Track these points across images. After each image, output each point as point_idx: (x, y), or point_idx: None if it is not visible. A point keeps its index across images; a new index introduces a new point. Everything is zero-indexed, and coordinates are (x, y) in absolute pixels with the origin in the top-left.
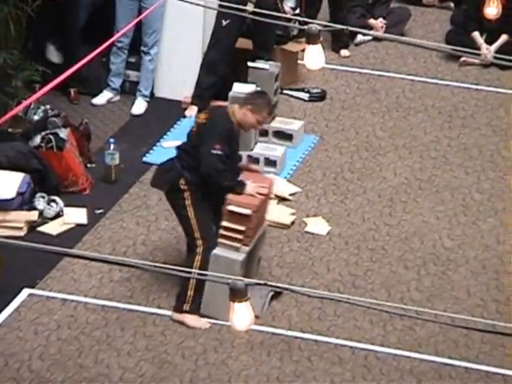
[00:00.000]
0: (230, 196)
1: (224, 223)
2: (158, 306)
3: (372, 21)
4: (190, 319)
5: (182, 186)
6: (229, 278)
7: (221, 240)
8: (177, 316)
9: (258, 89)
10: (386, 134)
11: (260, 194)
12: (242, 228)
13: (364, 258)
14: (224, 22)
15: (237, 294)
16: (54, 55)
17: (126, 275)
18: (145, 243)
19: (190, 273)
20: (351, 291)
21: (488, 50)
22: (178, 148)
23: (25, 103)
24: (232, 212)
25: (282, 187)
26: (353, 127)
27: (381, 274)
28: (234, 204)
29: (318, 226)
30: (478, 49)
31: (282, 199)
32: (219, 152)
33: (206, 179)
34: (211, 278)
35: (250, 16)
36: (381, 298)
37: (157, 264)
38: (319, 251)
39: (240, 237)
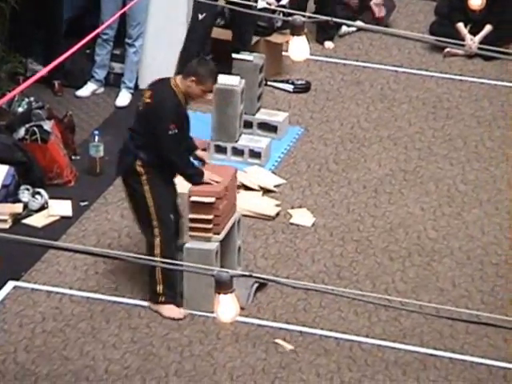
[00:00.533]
0: (190, 188)
1: (190, 215)
2: (143, 298)
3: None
4: (166, 309)
5: (139, 168)
6: (213, 269)
7: (191, 233)
8: (153, 307)
9: (201, 58)
10: (371, 126)
11: (214, 181)
12: (208, 217)
13: (349, 249)
14: (200, 16)
15: (222, 286)
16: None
17: (110, 267)
18: (129, 235)
19: (175, 265)
20: (336, 282)
21: (472, 41)
22: (130, 129)
23: (8, 95)
24: (196, 202)
25: (267, 179)
26: (337, 118)
27: (365, 265)
28: (196, 194)
29: (302, 217)
30: (463, 39)
31: (266, 191)
32: (174, 131)
33: (168, 162)
34: (196, 271)
35: (227, 6)
36: (366, 289)
37: (141, 256)
38: (304, 243)
39: (209, 226)
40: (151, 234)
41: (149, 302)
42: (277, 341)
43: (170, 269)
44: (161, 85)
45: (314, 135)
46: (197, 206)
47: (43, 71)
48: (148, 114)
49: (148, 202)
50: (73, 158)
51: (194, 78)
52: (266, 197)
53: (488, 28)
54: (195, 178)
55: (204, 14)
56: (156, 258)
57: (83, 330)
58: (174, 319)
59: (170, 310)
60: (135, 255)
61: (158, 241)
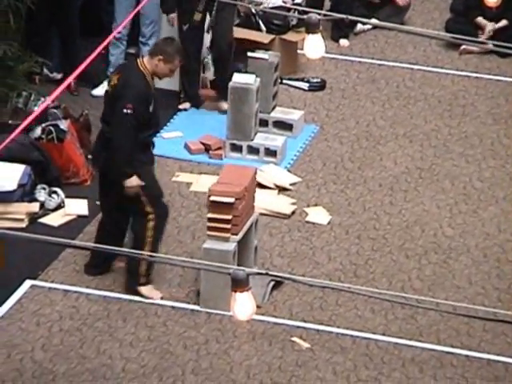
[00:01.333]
0: (211, 187)
1: (209, 215)
2: (160, 297)
3: None
4: (146, 290)
5: None
6: (230, 267)
7: (209, 232)
8: (132, 289)
9: (167, 37)
10: (387, 123)
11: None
12: (227, 217)
13: (365, 247)
14: (184, 27)
15: (238, 284)
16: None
17: (125, 266)
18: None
19: (191, 263)
20: (352, 280)
21: (493, 26)
22: (101, 119)
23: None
24: (215, 202)
25: (283, 177)
26: (353, 117)
27: (382, 263)
28: (216, 194)
29: (318, 215)
30: (480, 33)
31: (282, 189)
32: (129, 111)
33: (112, 143)
34: (213, 269)
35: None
36: (382, 287)
37: (158, 255)
38: (320, 241)
39: (227, 226)
40: (143, 213)
41: (127, 286)
42: (293, 339)
43: (154, 250)
44: (128, 67)
45: (329, 133)
46: (216, 206)
47: (74, 74)
48: (114, 96)
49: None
50: (89, 157)
51: (161, 57)
52: (282, 195)
53: (503, 22)
54: (118, 170)
55: (187, 25)
56: (179, 258)
57: (100, 328)
58: (152, 299)
59: (150, 291)
60: (151, 253)
61: (150, 224)
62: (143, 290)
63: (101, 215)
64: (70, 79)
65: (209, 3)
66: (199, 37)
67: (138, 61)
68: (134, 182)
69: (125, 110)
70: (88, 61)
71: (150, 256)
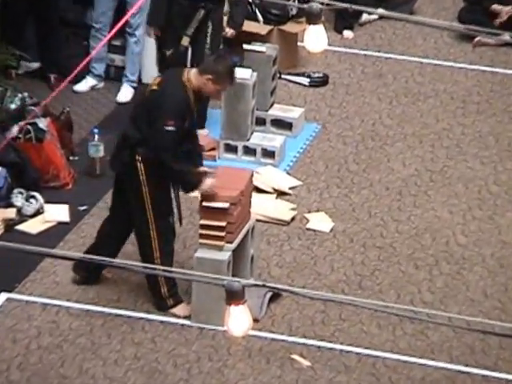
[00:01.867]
0: (202, 191)
1: (202, 221)
2: (147, 310)
3: None
4: (179, 310)
5: (139, 165)
6: (224, 278)
7: (201, 240)
8: (170, 311)
9: (221, 52)
10: (394, 122)
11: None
12: (221, 224)
13: (371, 256)
14: (168, 52)
15: (233, 297)
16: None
17: (112, 277)
18: (133, 242)
19: (181, 274)
20: (357, 293)
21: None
22: (130, 118)
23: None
24: (208, 208)
25: (281, 180)
26: (358, 114)
27: (389, 273)
28: (208, 199)
29: (320, 222)
30: (493, 27)
31: (281, 193)
32: (172, 128)
33: (158, 158)
34: (205, 280)
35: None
36: (389, 300)
37: (146, 265)
38: (322, 249)
39: (221, 234)
40: (149, 247)
41: (158, 309)
42: (293, 356)
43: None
44: (172, 75)
45: (332, 133)
46: (209, 212)
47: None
48: (152, 102)
49: (146, 206)
50: (70, 158)
51: (211, 77)
52: (281, 200)
53: None
54: (187, 185)
55: (171, 50)
56: (170, 268)
57: (82, 345)
58: (186, 317)
59: (183, 310)
60: (139, 264)
61: (155, 244)
62: (176, 311)
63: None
64: (66, 82)
65: (201, 27)
66: (183, 63)
67: (185, 72)
68: (207, 184)
69: (167, 128)
70: (84, 62)
71: (145, 267)
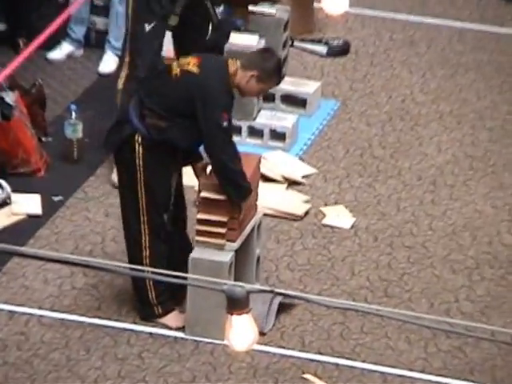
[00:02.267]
0: (201, 179)
1: (199, 215)
2: (134, 320)
3: None
4: (170, 320)
5: (137, 147)
6: (224, 283)
7: (198, 238)
8: (154, 320)
9: (266, 46)
10: (428, 98)
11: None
12: (222, 219)
13: (399, 258)
14: (147, 27)
15: (235, 304)
16: None
17: (92, 281)
18: (116, 239)
19: (174, 277)
20: (383, 301)
21: None
22: (138, 92)
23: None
24: (207, 199)
25: (293, 167)
26: (384, 89)
27: (421, 278)
28: (207, 189)
29: (339, 217)
30: None
31: (292, 183)
32: (226, 124)
33: (216, 164)
34: (202, 285)
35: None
36: (421, 310)
37: (132, 266)
38: (341, 249)
39: (222, 231)
40: (137, 243)
41: (142, 318)
42: (306, 376)
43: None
44: (216, 62)
45: (353, 111)
46: (208, 204)
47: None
48: (188, 87)
49: (139, 195)
50: (43, 139)
51: (256, 73)
52: (292, 190)
53: None
54: (242, 190)
55: (152, 24)
56: (160, 271)
57: (56, 361)
58: (179, 328)
59: (175, 320)
60: (124, 265)
61: (146, 240)
62: (167, 322)
63: None
64: (35, 46)
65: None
66: (163, 33)
67: (230, 64)
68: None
69: (223, 123)
70: (59, 21)
71: (131, 269)
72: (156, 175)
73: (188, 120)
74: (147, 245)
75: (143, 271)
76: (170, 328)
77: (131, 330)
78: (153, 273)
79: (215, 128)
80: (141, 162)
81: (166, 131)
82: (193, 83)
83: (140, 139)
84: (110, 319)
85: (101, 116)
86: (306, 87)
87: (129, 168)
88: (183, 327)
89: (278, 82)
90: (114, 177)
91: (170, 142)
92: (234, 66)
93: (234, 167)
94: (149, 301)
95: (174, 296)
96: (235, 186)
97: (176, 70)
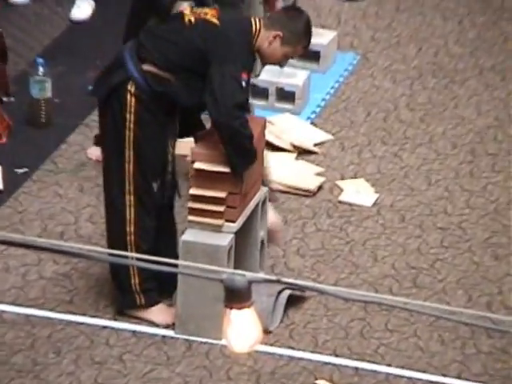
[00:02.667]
0: (194, 148)
1: (192, 191)
2: (114, 316)
3: None
4: (157, 315)
5: (129, 97)
6: (222, 271)
7: (191, 217)
8: (135, 313)
9: (294, 5)
10: (466, 50)
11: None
12: (219, 195)
13: (430, 241)
14: None
15: (235, 297)
16: None
17: (63, 269)
18: (92, 220)
19: (160, 263)
20: (411, 293)
21: None
22: (139, 39)
23: None
24: (202, 172)
25: (304, 134)
26: (413, 40)
27: (456, 266)
28: (202, 159)
29: (359, 192)
30: None
31: (303, 152)
32: (245, 83)
33: (226, 131)
34: (196, 273)
35: None
36: (457, 304)
37: (112, 251)
38: (361, 231)
39: (220, 209)
40: (121, 202)
41: (118, 309)
42: (319, 382)
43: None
44: (235, 14)
45: (376, 66)
46: (203, 178)
47: None
48: (205, 37)
49: (126, 156)
50: (4, 99)
51: (280, 34)
52: (303, 161)
53: None
54: (246, 161)
55: None
56: (146, 256)
57: (20, 365)
58: (168, 326)
59: (162, 314)
60: (101, 250)
61: (131, 212)
62: (152, 317)
63: None
64: None
65: None
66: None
67: (254, 21)
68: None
69: (242, 82)
70: None
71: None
72: (148, 135)
73: (194, 77)
74: (132, 218)
75: (126, 257)
76: (157, 325)
77: (110, 328)
78: (137, 259)
79: (233, 87)
80: (131, 117)
81: (167, 82)
82: (211, 33)
83: (134, 89)
84: (84, 315)
85: (73, 72)
86: (320, 38)
87: (116, 123)
88: (173, 324)
89: (306, 46)
90: (92, 152)
91: (172, 96)
92: (256, 24)
93: (245, 132)
94: (130, 288)
95: (162, 286)
96: (244, 154)
97: (190, 17)
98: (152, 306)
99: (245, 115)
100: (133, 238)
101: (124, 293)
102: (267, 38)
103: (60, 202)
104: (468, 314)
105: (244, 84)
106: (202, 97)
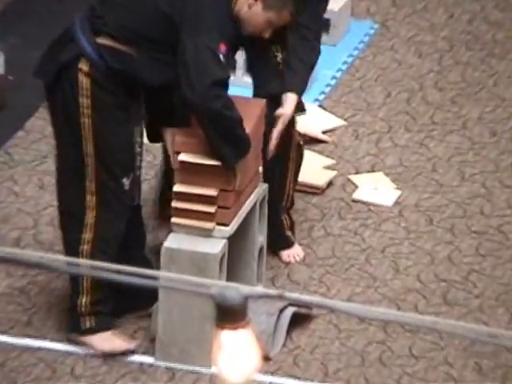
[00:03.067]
0: (178, 135)
1: (177, 187)
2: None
3: None
4: (98, 340)
5: (81, 77)
6: (212, 284)
7: (176, 220)
8: (79, 339)
9: None
10: (508, 17)
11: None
12: (211, 192)
13: (464, 248)
14: None
15: (228, 315)
16: None
17: (19, 283)
18: (54, 223)
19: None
20: (441, 311)
21: None
22: (93, 7)
23: None
24: (189, 164)
25: (311, 119)
26: (442, 5)
27: (495, 278)
28: (188, 150)
29: (376, 189)
30: None
31: (310, 140)
32: (224, 58)
33: (205, 114)
34: (180, 287)
35: None
36: (497, 324)
37: (77, 260)
38: (380, 236)
39: (210, 209)
40: (79, 203)
41: (70, 333)
42: None
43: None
44: None
45: (398, 37)
46: (189, 172)
47: None
48: (173, 1)
49: (83, 149)
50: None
51: None
52: (310, 152)
53: None
54: (238, 150)
55: None
56: (120, 266)
57: None
58: (112, 355)
59: (104, 340)
60: (67, 259)
61: (90, 216)
62: (93, 341)
63: None
64: None
65: None
66: None
67: None
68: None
69: (218, 54)
70: None
71: (68, 264)
72: (108, 121)
73: (160, 50)
74: (90, 224)
75: (104, 269)
76: (95, 350)
77: (76, 355)
78: (115, 271)
79: (208, 61)
80: (86, 101)
81: (127, 57)
82: (176, 2)
83: (87, 67)
84: (45, 338)
85: (30, 44)
86: (330, 3)
87: (68, 110)
88: (132, 350)
89: (293, 13)
90: None
91: (134, 74)
92: None
93: (230, 114)
94: (76, 308)
95: (125, 302)
96: (233, 140)
97: None
98: (98, 332)
99: (226, 94)
100: (87, 247)
101: (70, 314)
102: (247, 1)
103: (16, 201)
104: (510, 337)
105: (221, 57)
106: (170, 74)
